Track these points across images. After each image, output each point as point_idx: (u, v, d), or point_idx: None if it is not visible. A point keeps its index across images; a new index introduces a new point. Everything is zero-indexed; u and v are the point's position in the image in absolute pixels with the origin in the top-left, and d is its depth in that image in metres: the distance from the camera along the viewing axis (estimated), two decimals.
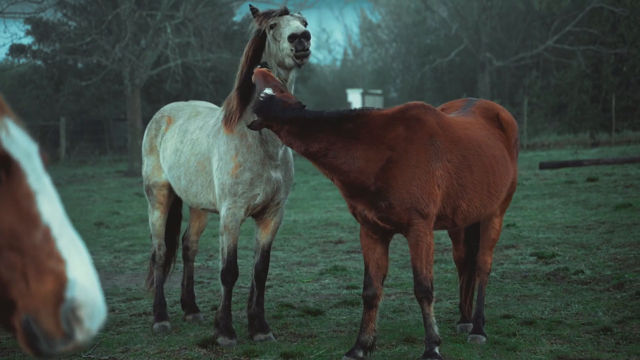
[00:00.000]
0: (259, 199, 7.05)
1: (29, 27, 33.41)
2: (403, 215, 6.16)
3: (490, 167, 6.61)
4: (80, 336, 2.19)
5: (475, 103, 7.21)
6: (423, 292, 6.27)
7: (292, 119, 6.10)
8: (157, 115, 8.16)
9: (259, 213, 7.24)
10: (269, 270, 10.32)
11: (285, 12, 6.93)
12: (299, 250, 12.00)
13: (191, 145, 7.49)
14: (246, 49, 7.12)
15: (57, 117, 35.41)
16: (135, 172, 27.33)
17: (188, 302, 8.20)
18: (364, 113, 6.27)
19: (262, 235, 7.30)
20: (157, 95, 35.80)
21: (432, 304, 6.32)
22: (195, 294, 8.62)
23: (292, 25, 6.72)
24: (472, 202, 6.48)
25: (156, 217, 8.08)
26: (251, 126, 6.32)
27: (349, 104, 46.00)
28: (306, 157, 6.29)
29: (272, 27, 6.88)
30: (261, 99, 6.20)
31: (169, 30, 28.92)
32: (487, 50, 42.93)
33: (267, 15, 6.94)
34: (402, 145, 6.18)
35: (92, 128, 38.51)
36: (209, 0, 31.76)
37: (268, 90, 6.21)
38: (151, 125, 8.11)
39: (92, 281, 2.20)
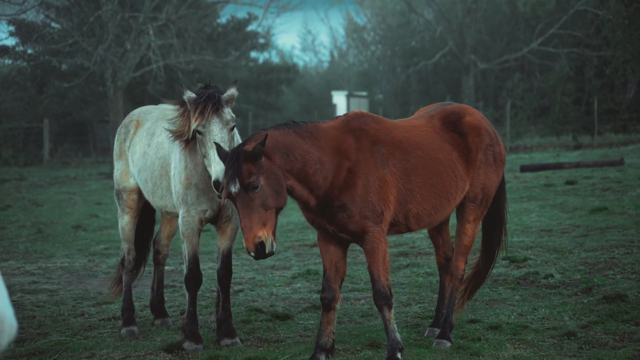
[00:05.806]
0: (208, 214, 7.15)
1: (12, 28, 33.29)
2: (360, 224, 6.22)
3: (434, 170, 6.62)
4: None
5: (446, 107, 7.21)
6: (382, 299, 6.31)
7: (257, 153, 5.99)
8: (126, 120, 8.15)
9: (214, 221, 7.30)
10: (242, 274, 10.35)
11: (212, 100, 6.69)
12: (274, 254, 11.97)
13: (156, 149, 7.52)
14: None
15: (41, 118, 35.29)
16: None
17: (157, 307, 8.19)
18: (315, 125, 6.34)
19: (221, 242, 7.35)
20: (140, 97, 35.70)
21: (392, 310, 6.36)
22: (167, 298, 8.62)
23: (216, 169, 6.47)
24: (421, 205, 6.53)
25: (126, 222, 8.08)
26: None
27: (334, 106, 46.05)
28: (295, 176, 6.20)
29: (199, 132, 6.74)
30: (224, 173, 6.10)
31: (151, 32, 28.85)
32: (471, 52, 43.08)
33: (195, 110, 6.73)
34: (354, 154, 6.27)
35: (75, 130, 38.41)
36: (193, 2, 31.71)
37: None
38: (120, 129, 8.10)
39: (2, 296, 2.19)
